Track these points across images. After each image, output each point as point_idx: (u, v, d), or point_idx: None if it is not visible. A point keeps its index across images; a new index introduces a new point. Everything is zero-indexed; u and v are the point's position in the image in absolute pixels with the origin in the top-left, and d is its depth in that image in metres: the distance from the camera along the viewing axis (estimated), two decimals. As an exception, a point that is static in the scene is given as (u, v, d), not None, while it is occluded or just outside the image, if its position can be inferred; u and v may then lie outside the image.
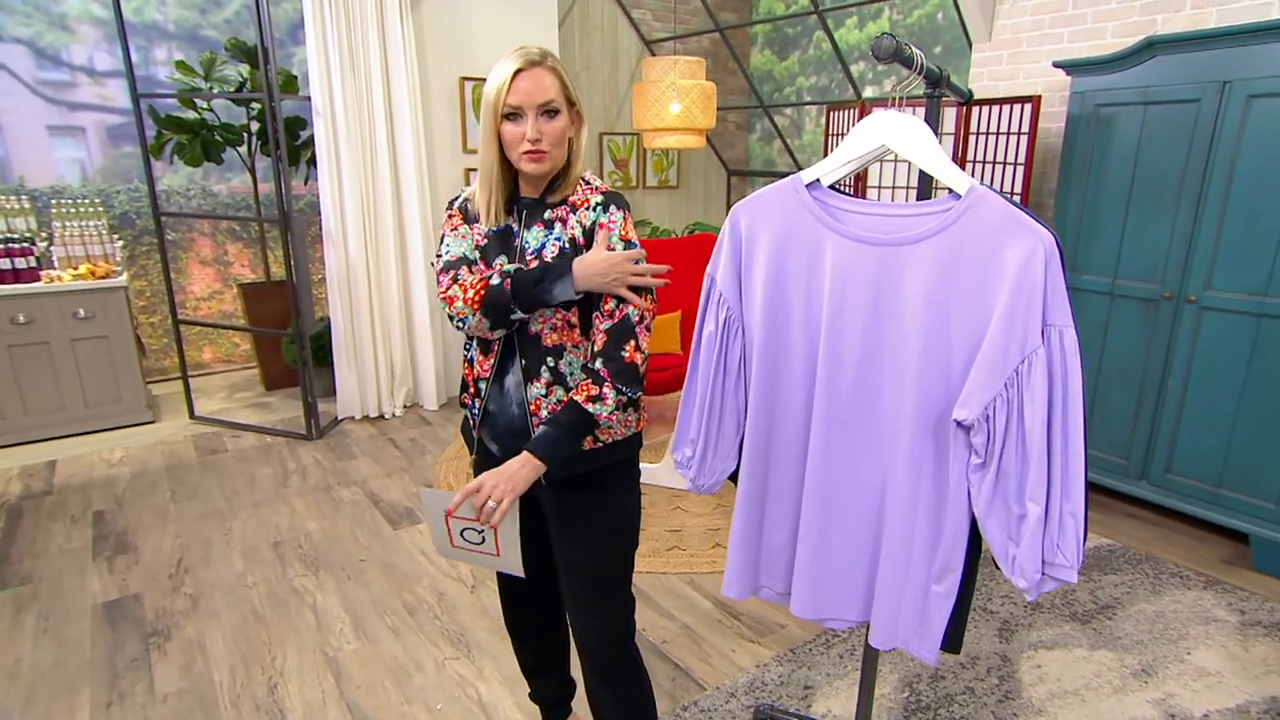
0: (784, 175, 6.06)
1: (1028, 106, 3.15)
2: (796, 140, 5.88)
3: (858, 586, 1.14)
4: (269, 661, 2.22)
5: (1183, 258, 2.74)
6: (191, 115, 4.20)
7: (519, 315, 1.30)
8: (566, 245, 1.32)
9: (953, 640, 1.09)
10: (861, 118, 3.72)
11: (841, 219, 1.04)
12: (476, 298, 1.29)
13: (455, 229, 1.41)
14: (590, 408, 1.28)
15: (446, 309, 1.34)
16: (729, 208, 6.56)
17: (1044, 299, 0.91)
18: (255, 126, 4.28)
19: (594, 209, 1.33)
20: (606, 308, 1.31)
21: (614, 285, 1.25)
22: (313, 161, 4.30)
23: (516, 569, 1.34)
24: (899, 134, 1.00)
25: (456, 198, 1.46)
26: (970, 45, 3.75)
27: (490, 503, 1.24)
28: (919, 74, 1.07)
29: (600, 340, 1.31)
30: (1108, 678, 2.15)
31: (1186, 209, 2.71)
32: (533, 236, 1.34)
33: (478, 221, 1.40)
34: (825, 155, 4.16)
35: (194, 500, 3.24)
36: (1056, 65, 2.97)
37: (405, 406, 4.39)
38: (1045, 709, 2.02)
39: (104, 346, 3.87)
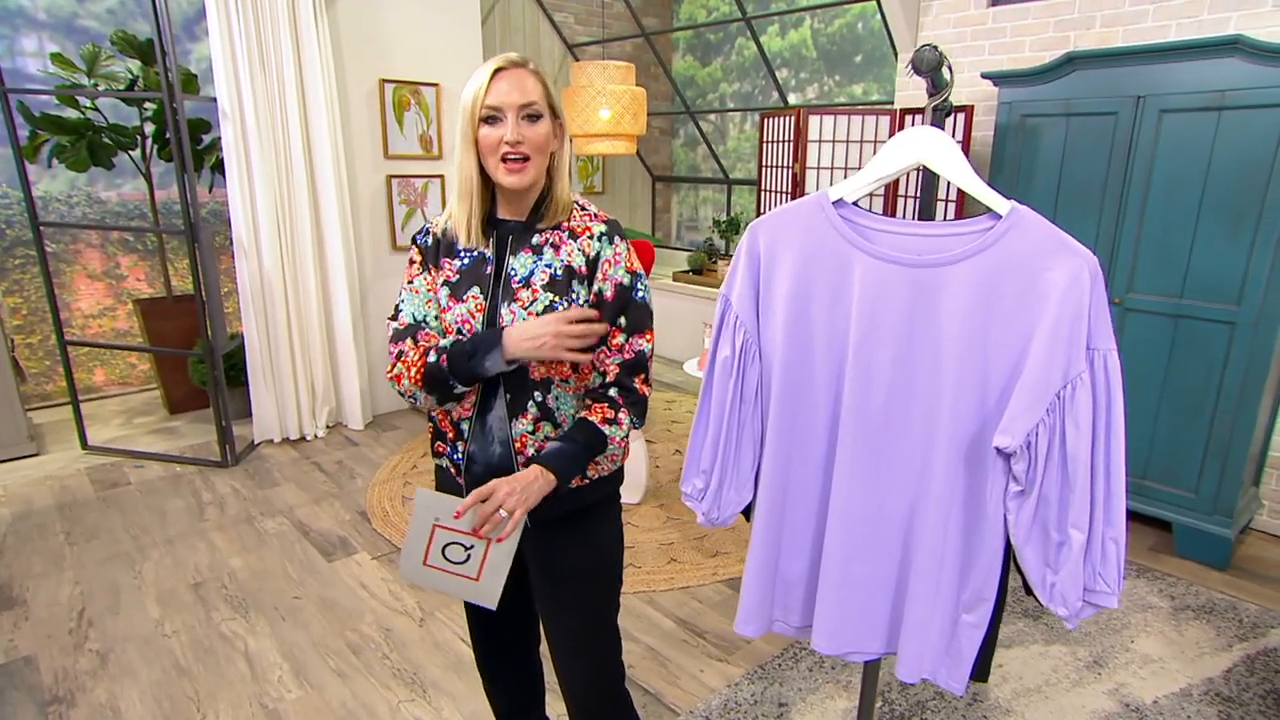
0: (710, 181, 6.09)
1: (960, 116, 3.25)
2: (721, 146, 5.92)
3: (881, 618, 1.10)
4: (198, 721, 2.01)
5: (1108, 261, 2.88)
6: (74, 114, 3.81)
7: (460, 389, 1.23)
8: (559, 273, 1.23)
9: (982, 669, 1.06)
10: (799, 124, 3.76)
11: (871, 238, 1.00)
12: (419, 376, 1.23)
13: (411, 281, 1.32)
14: (605, 429, 1.22)
15: (396, 388, 1.28)
16: (655, 213, 6.54)
17: (1088, 322, 0.90)
18: (151, 128, 3.93)
19: (598, 239, 1.25)
20: (615, 343, 1.25)
21: (551, 352, 1.17)
22: (217, 167, 3.99)
23: (492, 598, 1.21)
24: (934, 150, 0.97)
25: (421, 231, 1.34)
26: (896, 55, 3.85)
27: (502, 511, 1.12)
28: (949, 90, 1.04)
29: (613, 371, 1.25)
30: (1065, 672, 2.21)
31: (1109, 215, 2.86)
32: (520, 263, 1.24)
33: (451, 251, 1.29)
34: (759, 162, 4.21)
35: (94, 541, 2.92)
36: (985, 76, 3.08)
37: (328, 427, 4.13)
38: (1012, 708, 2.06)
39: (-25, 372, 3.45)
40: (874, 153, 3.68)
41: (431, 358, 1.22)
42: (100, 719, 2.01)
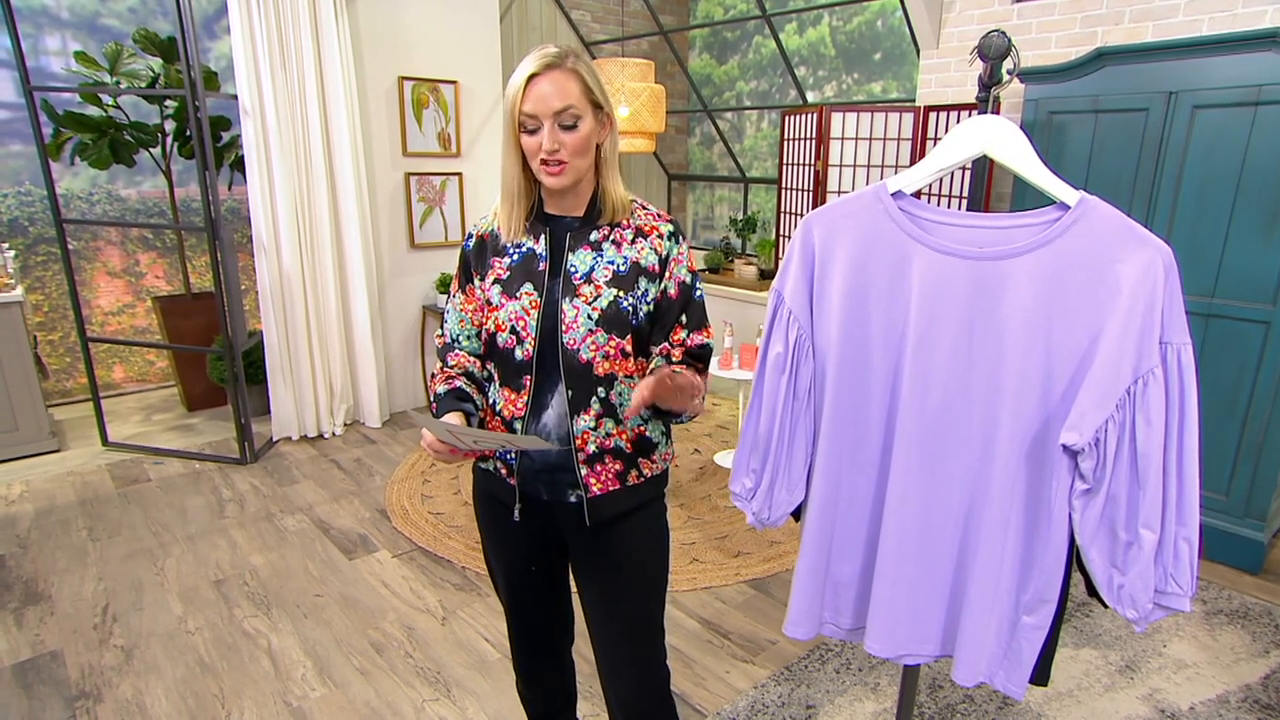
0: (726, 180, 6.06)
1: (984, 113, 3.21)
2: (738, 144, 5.89)
3: (937, 620, 1.07)
4: (223, 717, 2.00)
5: (1136, 261, 2.84)
6: (96, 112, 3.82)
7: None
8: (622, 269, 1.22)
9: (1041, 672, 1.04)
10: (820, 121, 3.73)
11: (930, 230, 0.98)
12: (434, 404, 1.29)
13: (454, 295, 1.34)
14: (696, 379, 1.20)
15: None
16: (670, 211, 6.51)
17: (1161, 315, 0.87)
18: (171, 126, 3.94)
19: (667, 238, 1.27)
20: (677, 338, 1.26)
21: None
22: (237, 164, 4.00)
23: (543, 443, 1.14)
24: (1000, 139, 0.94)
25: (468, 236, 1.34)
26: (918, 52, 3.81)
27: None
28: (1005, 84, 1.02)
29: (678, 354, 1.26)
30: (1096, 676, 2.18)
31: (1139, 213, 2.81)
32: (580, 260, 1.24)
33: (499, 249, 1.29)
34: (780, 160, 4.17)
35: (116, 537, 2.92)
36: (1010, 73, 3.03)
37: (346, 424, 4.13)
38: (1044, 713, 2.03)
39: (-2, 369, 3.47)
40: (897, 150, 3.65)
41: (439, 388, 1.28)
42: (127, 715, 2.00)
